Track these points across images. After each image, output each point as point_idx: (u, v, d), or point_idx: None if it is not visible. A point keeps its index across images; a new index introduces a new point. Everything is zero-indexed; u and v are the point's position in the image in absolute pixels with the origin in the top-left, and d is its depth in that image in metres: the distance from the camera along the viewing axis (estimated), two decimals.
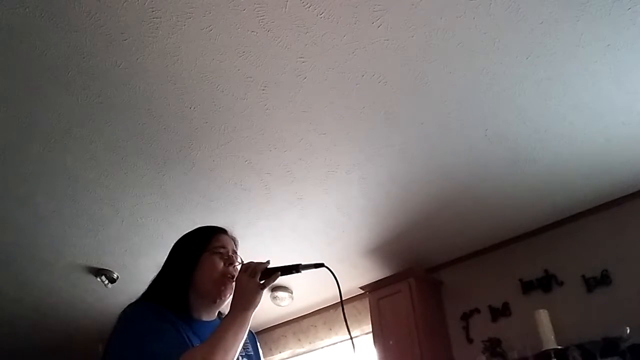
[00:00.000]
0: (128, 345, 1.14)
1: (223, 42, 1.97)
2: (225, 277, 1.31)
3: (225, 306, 1.32)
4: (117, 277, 3.58)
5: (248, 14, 1.87)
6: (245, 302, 1.23)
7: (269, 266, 1.31)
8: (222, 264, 1.33)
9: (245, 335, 1.21)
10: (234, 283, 1.31)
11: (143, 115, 2.31)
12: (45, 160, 2.53)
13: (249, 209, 3.00)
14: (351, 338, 1.44)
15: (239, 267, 1.34)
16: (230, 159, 2.61)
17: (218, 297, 1.30)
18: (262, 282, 1.27)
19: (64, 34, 1.91)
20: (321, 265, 1.33)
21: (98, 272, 3.51)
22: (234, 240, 1.43)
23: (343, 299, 1.52)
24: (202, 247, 1.34)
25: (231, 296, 1.29)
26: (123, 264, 3.47)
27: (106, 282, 3.52)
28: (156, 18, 1.87)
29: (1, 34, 1.89)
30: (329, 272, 1.34)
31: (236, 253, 1.39)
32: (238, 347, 1.18)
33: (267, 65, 2.09)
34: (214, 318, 1.34)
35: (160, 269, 1.37)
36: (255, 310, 1.24)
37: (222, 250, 1.35)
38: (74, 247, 3.25)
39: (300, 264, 1.32)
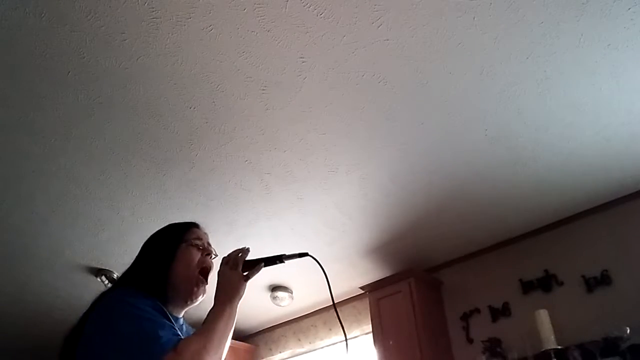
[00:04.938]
0: (127, 326, 1.10)
1: (223, 42, 1.98)
2: (199, 275, 1.32)
3: (190, 308, 1.33)
4: (117, 277, 3.58)
5: (248, 14, 1.87)
6: (229, 294, 1.24)
7: (253, 257, 1.32)
8: (199, 255, 1.34)
9: (234, 326, 1.22)
10: (206, 286, 1.32)
11: (143, 115, 2.31)
12: (45, 160, 2.53)
13: (249, 209, 3.00)
14: (343, 329, 1.45)
15: (215, 259, 1.37)
16: (230, 159, 2.61)
17: (189, 297, 1.30)
18: (245, 273, 1.29)
19: (64, 34, 1.91)
20: (305, 254, 1.33)
21: (98, 272, 3.51)
22: (206, 234, 1.44)
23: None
24: (179, 239, 1.35)
25: (201, 299, 1.31)
26: (123, 264, 3.46)
27: (106, 282, 3.52)
28: (156, 18, 1.87)
29: (1, 34, 1.89)
30: (314, 261, 1.34)
31: (210, 245, 1.41)
32: (229, 337, 1.19)
33: (267, 65, 2.09)
34: (180, 316, 1.33)
35: (132, 262, 1.36)
36: (240, 302, 1.25)
37: (198, 242, 1.37)
38: (74, 247, 3.25)
39: (284, 254, 1.33)
